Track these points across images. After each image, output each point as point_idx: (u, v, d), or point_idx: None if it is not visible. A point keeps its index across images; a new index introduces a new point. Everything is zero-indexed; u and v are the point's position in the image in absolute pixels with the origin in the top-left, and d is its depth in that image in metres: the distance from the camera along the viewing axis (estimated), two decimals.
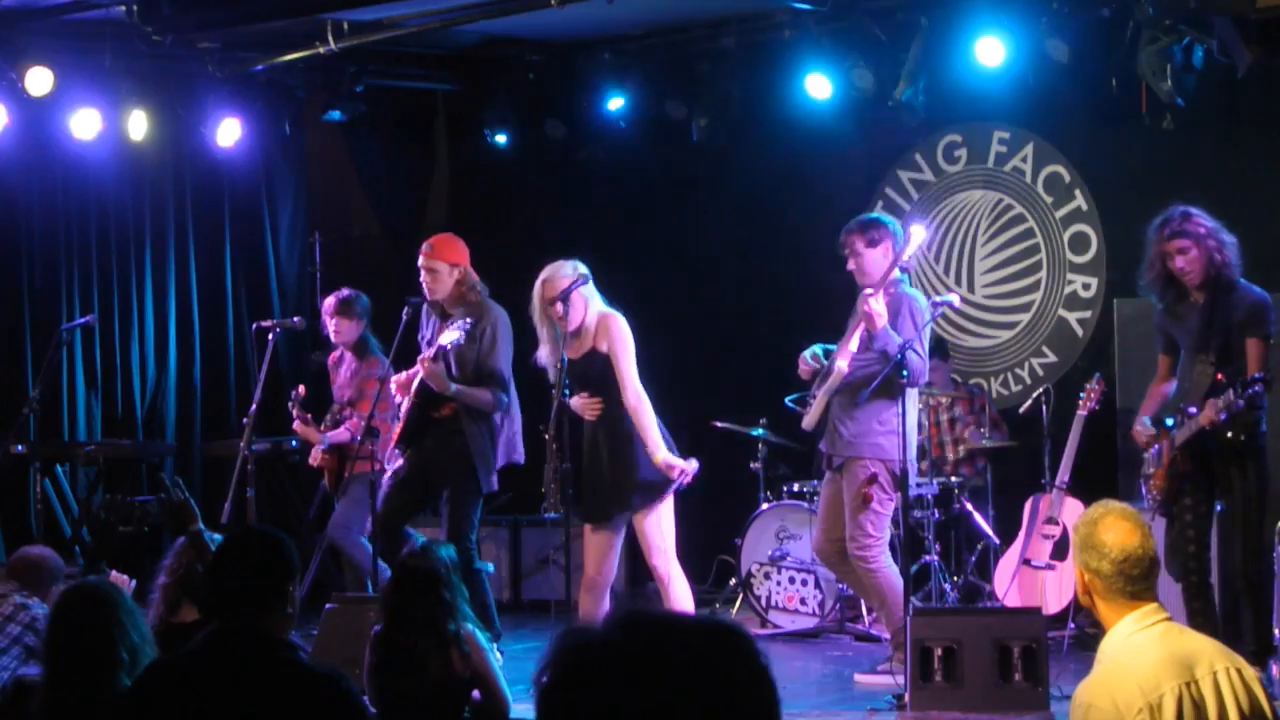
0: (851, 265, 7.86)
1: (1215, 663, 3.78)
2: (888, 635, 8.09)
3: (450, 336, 7.87)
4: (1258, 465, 7.29)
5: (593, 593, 7.54)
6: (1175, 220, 7.34)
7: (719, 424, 9.90)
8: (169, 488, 5.38)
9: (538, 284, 7.59)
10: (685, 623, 1.92)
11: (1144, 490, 7.54)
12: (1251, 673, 3.84)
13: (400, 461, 8.25)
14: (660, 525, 7.44)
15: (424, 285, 8.20)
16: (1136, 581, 3.85)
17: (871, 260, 7.77)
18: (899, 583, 7.71)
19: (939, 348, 9.81)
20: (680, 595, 7.50)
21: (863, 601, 9.15)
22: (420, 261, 8.20)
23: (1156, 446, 7.42)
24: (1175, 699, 3.67)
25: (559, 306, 7.42)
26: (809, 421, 7.97)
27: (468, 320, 7.93)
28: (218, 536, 5.95)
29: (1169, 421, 7.41)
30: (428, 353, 7.96)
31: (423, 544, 6.23)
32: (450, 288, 8.13)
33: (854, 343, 7.71)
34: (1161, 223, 7.40)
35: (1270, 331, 7.29)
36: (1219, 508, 7.52)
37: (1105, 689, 3.73)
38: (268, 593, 4.02)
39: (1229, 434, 7.15)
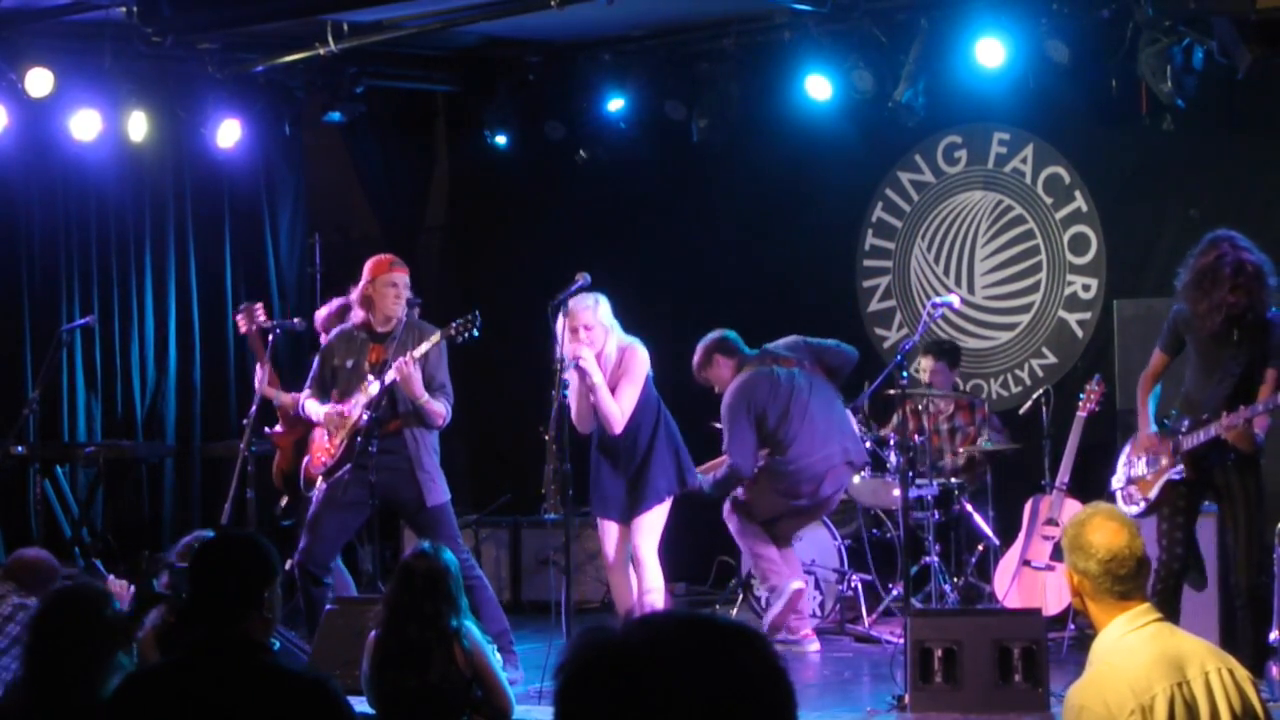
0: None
1: (1207, 663, 3.79)
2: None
3: (424, 347, 7.86)
4: (1256, 474, 7.29)
5: (618, 574, 8.18)
6: (1230, 264, 7.15)
7: (718, 424, 9.88)
8: (148, 582, 5.36)
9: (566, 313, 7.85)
10: (702, 623, 1.92)
11: (1124, 494, 7.53)
12: (1243, 673, 3.84)
13: (327, 486, 8.09)
14: (657, 522, 8.13)
15: (388, 303, 8.04)
16: (1124, 581, 3.86)
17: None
18: None
19: (949, 353, 9.80)
20: (653, 577, 8.01)
21: (863, 602, 9.17)
22: (395, 277, 8.03)
23: (1151, 457, 7.42)
24: (1167, 700, 3.68)
25: (580, 333, 7.84)
26: None
27: (452, 325, 7.93)
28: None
29: (1166, 422, 7.42)
30: (405, 358, 7.80)
31: (427, 546, 6.25)
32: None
33: None
34: (1217, 259, 7.18)
35: None
36: (1208, 506, 7.53)
37: (1097, 690, 3.73)
38: (245, 599, 3.94)
39: (1239, 443, 7.16)
